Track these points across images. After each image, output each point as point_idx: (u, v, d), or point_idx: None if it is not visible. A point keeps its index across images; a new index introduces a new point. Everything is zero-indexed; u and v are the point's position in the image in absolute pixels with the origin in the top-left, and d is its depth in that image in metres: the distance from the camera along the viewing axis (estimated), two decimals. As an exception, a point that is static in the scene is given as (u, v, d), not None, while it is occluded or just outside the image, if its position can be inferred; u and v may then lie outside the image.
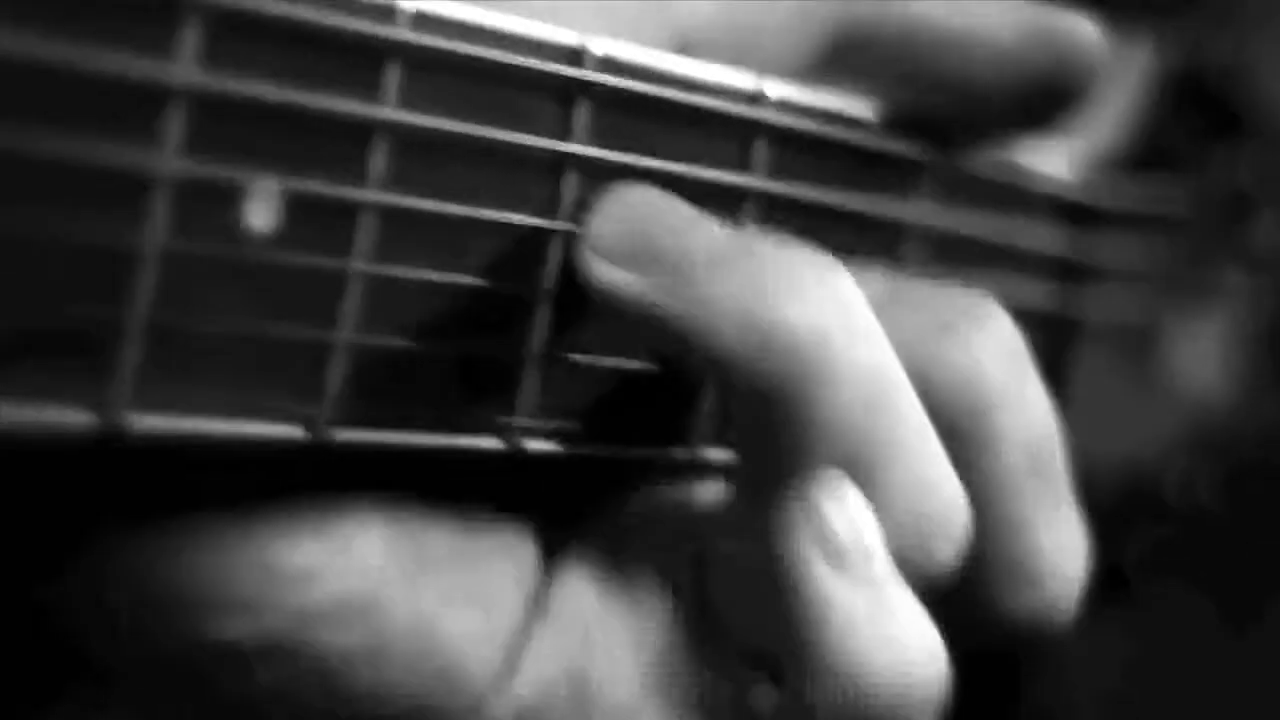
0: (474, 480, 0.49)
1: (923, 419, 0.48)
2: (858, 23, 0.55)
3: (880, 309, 0.49)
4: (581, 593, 0.49)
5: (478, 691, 0.47)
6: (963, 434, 0.50)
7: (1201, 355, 0.77)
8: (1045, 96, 0.56)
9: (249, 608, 0.45)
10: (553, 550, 0.50)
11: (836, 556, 0.46)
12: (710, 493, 0.52)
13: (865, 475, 0.47)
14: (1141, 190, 0.68)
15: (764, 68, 0.52)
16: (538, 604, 0.49)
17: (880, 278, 0.53)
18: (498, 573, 0.49)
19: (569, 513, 0.51)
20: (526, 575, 0.49)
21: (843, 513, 0.46)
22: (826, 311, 0.46)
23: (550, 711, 0.48)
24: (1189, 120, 0.73)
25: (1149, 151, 0.70)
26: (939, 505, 0.48)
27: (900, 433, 0.47)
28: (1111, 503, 0.73)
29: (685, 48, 0.52)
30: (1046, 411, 0.53)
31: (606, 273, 0.47)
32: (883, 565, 0.47)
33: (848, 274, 0.47)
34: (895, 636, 0.46)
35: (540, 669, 0.48)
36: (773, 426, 0.46)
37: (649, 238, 0.47)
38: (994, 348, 0.51)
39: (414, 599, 0.47)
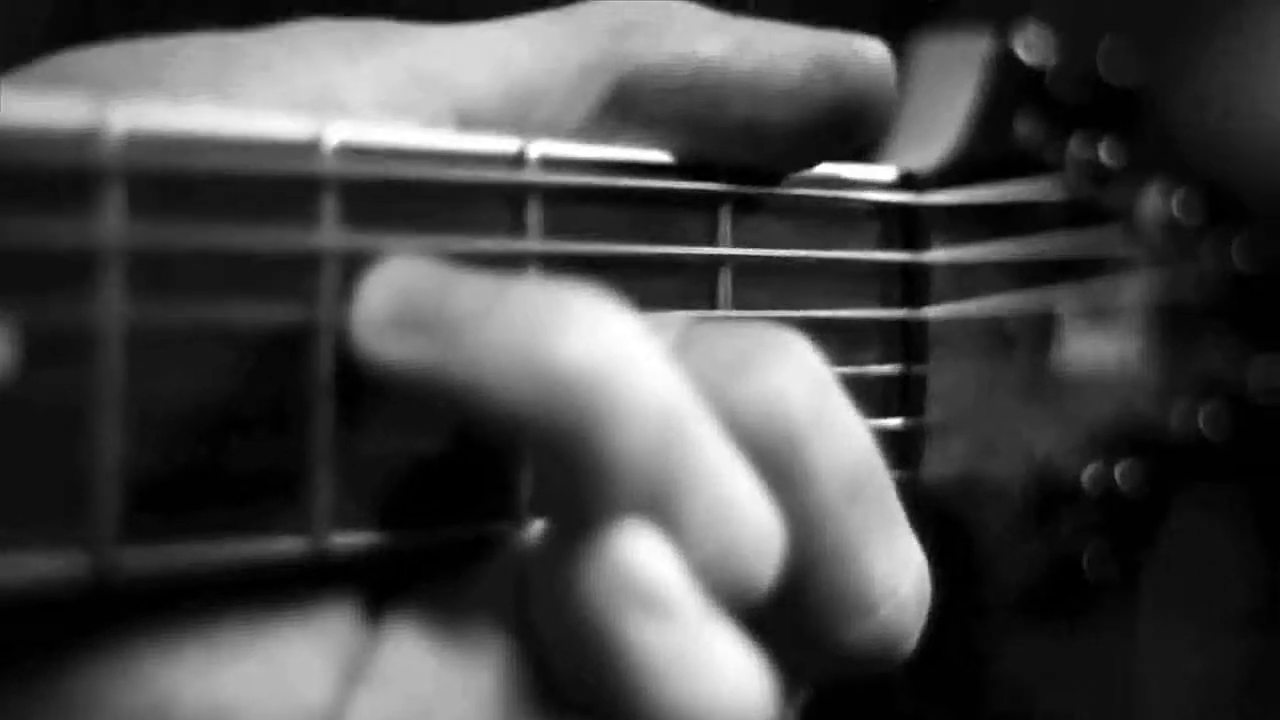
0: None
1: (721, 446, 0.48)
2: (641, 74, 0.54)
3: (676, 352, 0.49)
4: (409, 649, 0.48)
5: None
6: (775, 469, 0.50)
7: (1104, 343, 0.77)
8: (837, 126, 0.55)
9: None
10: (380, 612, 0.50)
11: (642, 603, 0.45)
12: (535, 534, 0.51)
13: (666, 510, 0.46)
14: (987, 189, 0.67)
15: (549, 130, 0.52)
16: (358, 670, 0.48)
17: (678, 322, 0.52)
18: (300, 649, 0.48)
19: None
20: (338, 645, 0.48)
21: (642, 558, 0.46)
22: (602, 346, 0.45)
23: None
24: (1035, 118, 0.72)
25: (995, 159, 0.70)
26: (748, 530, 0.47)
27: (698, 462, 0.47)
28: (1024, 507, 0.72)
29: (466, 122, 0.52)
30: (860, 435, 0.52)
31: (376, 347, 0.46)
32: (691, 604, 0.46)
33: (622, 310, 0.47)
34: (713, 673, 0.46)
35: None
36: (566, 474, 0.46)
37: (411, 304, 0.46)
38: (795, 377, 0.50)
39: (210, 693, 0.46)
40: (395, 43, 0.51)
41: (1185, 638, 1.05)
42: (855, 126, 0.56)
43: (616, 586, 0.45)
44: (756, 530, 0.48)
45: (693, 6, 0.56)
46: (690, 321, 0.53)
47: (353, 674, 0.48)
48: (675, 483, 0.46)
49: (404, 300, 0.46)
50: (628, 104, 0.54)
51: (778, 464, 0.50)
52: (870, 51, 0.56)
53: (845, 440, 0.51)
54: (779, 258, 0.57)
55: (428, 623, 0.49)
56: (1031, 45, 0.72)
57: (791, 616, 0.51)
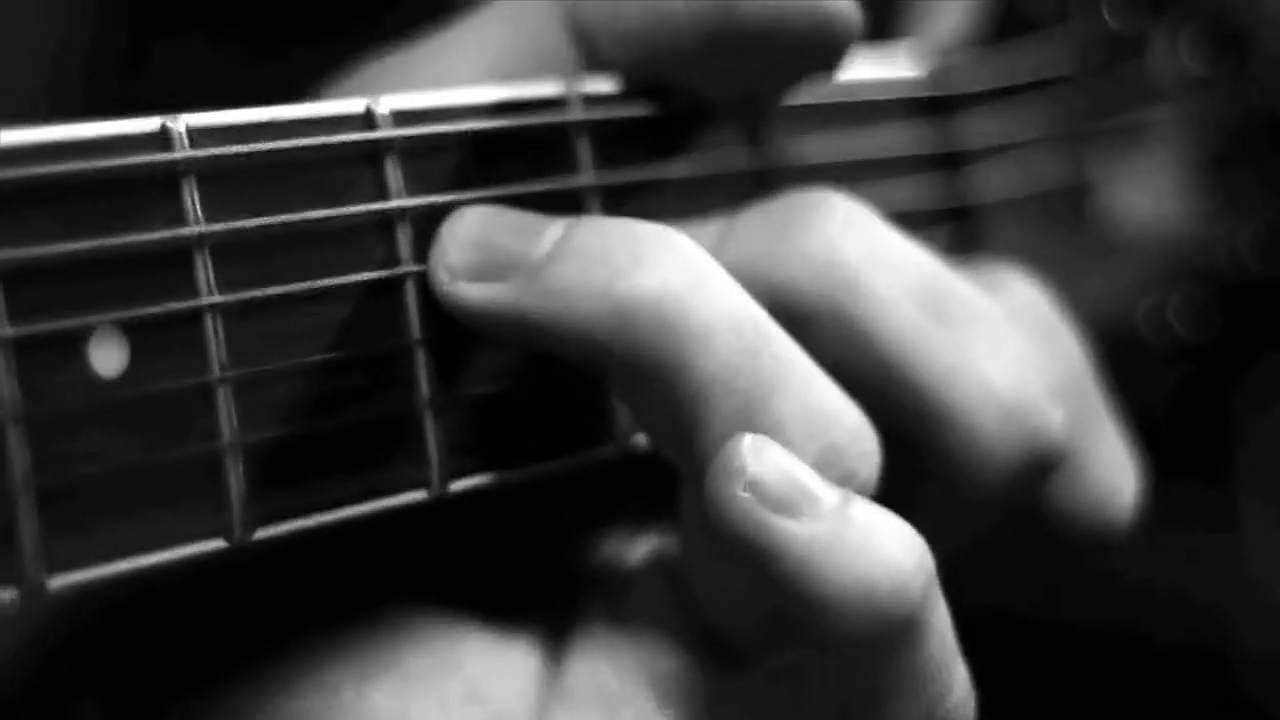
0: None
1: (800, 352, 0.49)
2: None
3: (721, 242, 0.51)
4: (594, 663, 0.51)
5: None
6: (850, 314, 0.51)
7: (1141, 195, 0.78)
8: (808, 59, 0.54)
9: None
10: (560, 629, 0.52)
11: (783, 506, 0.46)
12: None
13: (764, 420, 0.47)
14: (1008, 61, 0.69)
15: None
16: (551, 688, 0.51)
17: (714, 224, 0.53)
18: (498, 673, 0.51)
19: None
20: (531, 667, 0.51)
21: (766, 465, 0.46)
22: (675, 272, 0.47)
23: None
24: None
25: (1009, 21, 0.71)
26: (844, 427, 0.48)
27: (784, 367, 0.48)
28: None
29: None
30: (921, 256, 0.52)
31: (462, 292, 0.48)
32: (826, 492, 0.47)
33: (684, 235, 0.48)
34: (869, 548, 0.46)
35: None
36: (661, 400, 0.48)
37: (491, 248, 0.48)
38: (839, 224, 0.51)
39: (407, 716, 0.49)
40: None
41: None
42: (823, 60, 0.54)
43: (754, 501, 0.46)
44: (852, 427, 0.49)
45: None
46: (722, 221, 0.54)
47: (545, 694, 0.51)
48: (766, 393, 0.47)
49: (482, 245, 0.48)
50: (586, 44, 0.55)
51: (852, 308, 0.51)
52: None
53: (906, 264, 0.52)
54: (826, 164, 0.59)
55: (604, 633, 0.51)
56: None
57: (939, 455, 0.52)
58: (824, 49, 0.53)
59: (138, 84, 0.77)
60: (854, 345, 0.51)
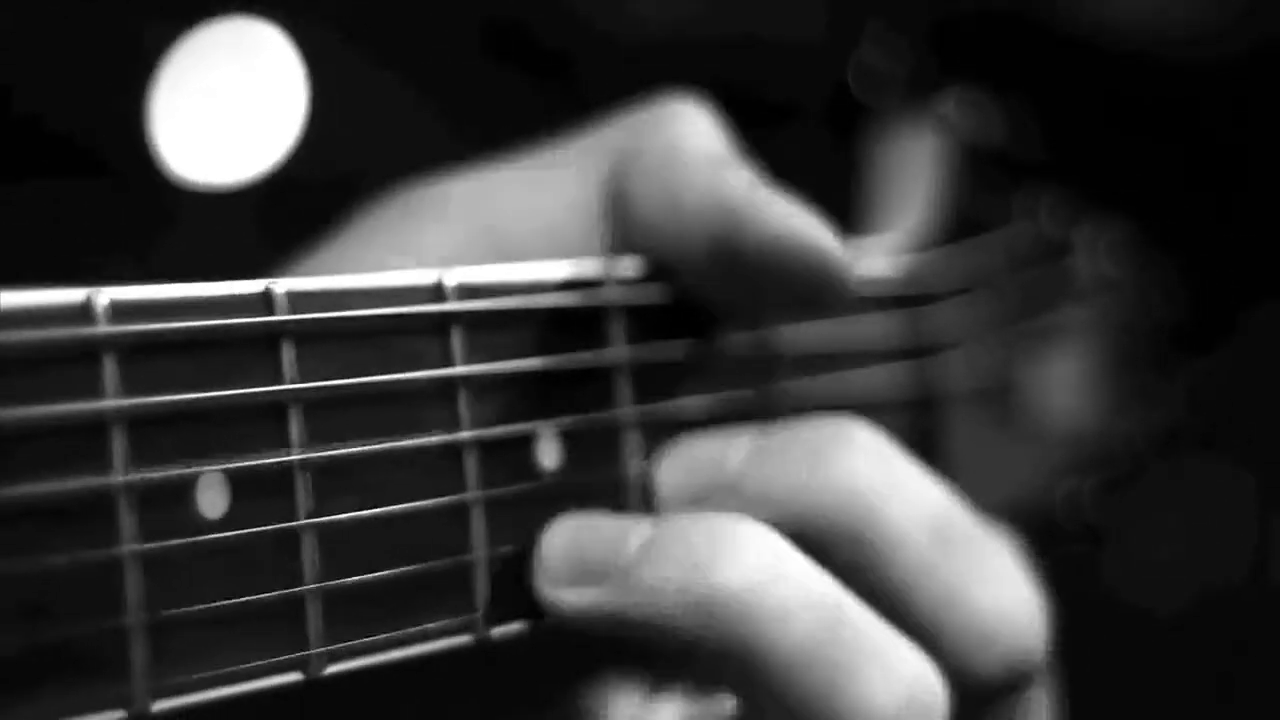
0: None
1: (869, 614, 0.53)
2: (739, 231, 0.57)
3: (753, 464, 0.56)
4: None
5: None
6: (867, 542, 0.55)
7: (1058, 389, 0.84)
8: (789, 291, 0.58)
9: None
10: None
11: None
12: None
13: (845, 686, 0.52)
14: (962, 260, 0.75)
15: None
16: None
17: (747, 437, 0.57)
18: None
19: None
20: None
21: None
22: (753, 561, 0.52)
23: None
24: (984, 182, 0.80)
25: (960, 222, 0.77)
26: (925, 692, 0.53)
27: (863, 635, 0.52)
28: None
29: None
30: (933, 490, 0.57)
31: (563, 597, 0.53)
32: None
33: (757, 522, 0.53)
34: None
35: None
36: (753, 682, 0.52)
37: (585, 554, 0.53)
38: (862, 454, 0.56)
39: None
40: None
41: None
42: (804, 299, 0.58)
43: None
44: (927, 687, 0.53)
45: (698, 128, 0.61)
46: (759, 432, 0.58)
47: None
48: (847, 657, 0.52)
49: (577, 551, 0.53)
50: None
51: (872, 537, 0.55)
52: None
53: (920, 497, 0.56)
54: (822, 353, 0.64)
55: None
56: (963, 111, 0.80)
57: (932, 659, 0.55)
58: (818, 284, 0.57)
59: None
60: (869, 568, 0.55)
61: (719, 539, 0.52)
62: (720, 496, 0.56)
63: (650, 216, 0.58)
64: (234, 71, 0.79)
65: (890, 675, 0.52)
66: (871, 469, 0.56)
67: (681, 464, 0.57)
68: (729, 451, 0.56)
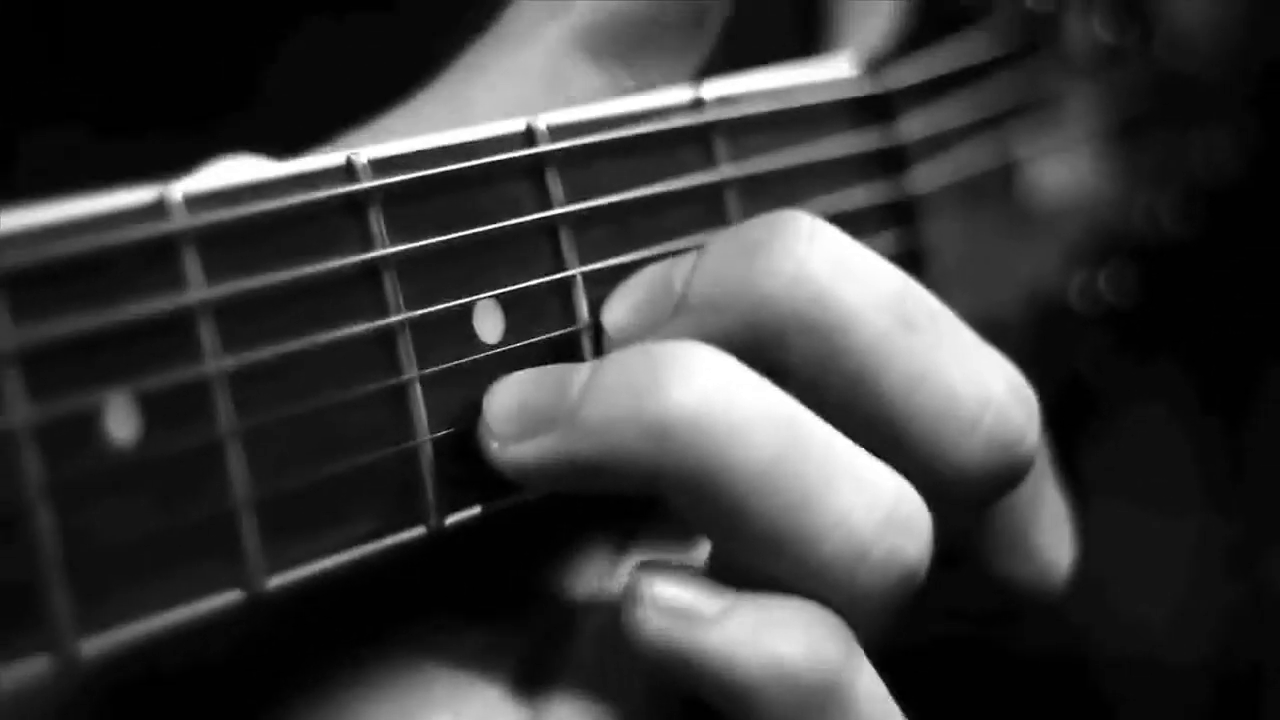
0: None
1: (836, 433, 0.51)
2: None
3: (694, 274, 0.53)
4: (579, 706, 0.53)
5: None
6: (824, 327, 0.52)
7: (1065, 170, 0.80)
8: None
9: None
10: (538, 673, 0.54)
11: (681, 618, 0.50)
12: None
13: (816, 504, 0.50)
14: (937, 54, 0.71)
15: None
16: None
17: (690, 254, 0.55)
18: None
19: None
20: (504, 713, 0.53)
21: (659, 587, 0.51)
22: (701, 381, 0.49)
23: None
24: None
25: (938, 20, 0.73)
26: (905, 507, 0.51)
27: (830, 450, 0.50)
28: (1031, 338, 0.76)
29: None
30: (888, 270, 0.54)
31: (514, 454, 0.51)
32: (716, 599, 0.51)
33: (703, 345, 0.51)
34: (774, 632, 0.50)
35: None
36: (716, 508, 0.50)
37: (530, 404, 0.51)
38: (805, 239, 0.53)
39: None
40: None
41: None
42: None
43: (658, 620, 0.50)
44: (902, 502, 0.51)
45: None
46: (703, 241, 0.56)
47: None
48: (815, 475, 0.50)
49: (520, 405, 0.51)
50: None
51: (824, 321, 0.52)
52: None
53: (873, 275, 0.53)
54: (776, 172, 0.61)
55: (579, 690, 0.53)
56: None
57: (910, 463, 0.52)
58: None
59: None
60: (826, 358, 0.52)
61: (662, 363, 0.50)
62: (669, 323, 0.53)
63: None
64: None
65: (865, 490, 0.50)
66: (817, 252, 0.53)
67: (628, 300, 0.55)
68: (673, 271, 0.54)
